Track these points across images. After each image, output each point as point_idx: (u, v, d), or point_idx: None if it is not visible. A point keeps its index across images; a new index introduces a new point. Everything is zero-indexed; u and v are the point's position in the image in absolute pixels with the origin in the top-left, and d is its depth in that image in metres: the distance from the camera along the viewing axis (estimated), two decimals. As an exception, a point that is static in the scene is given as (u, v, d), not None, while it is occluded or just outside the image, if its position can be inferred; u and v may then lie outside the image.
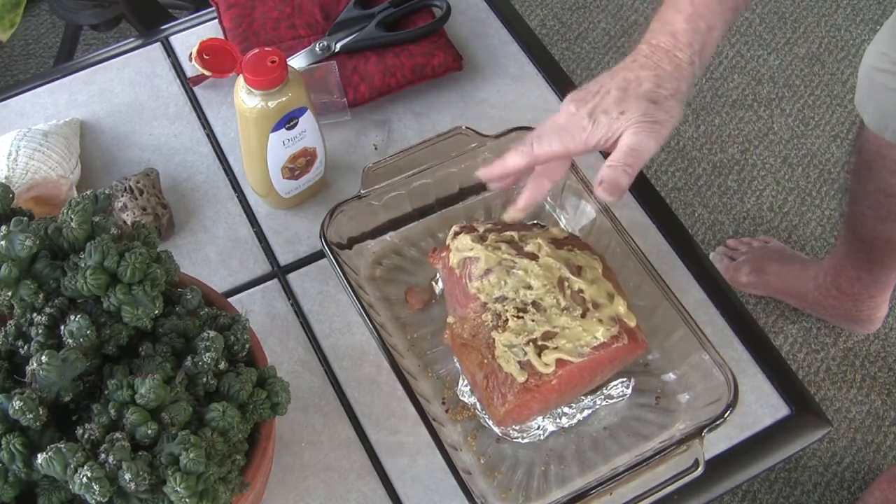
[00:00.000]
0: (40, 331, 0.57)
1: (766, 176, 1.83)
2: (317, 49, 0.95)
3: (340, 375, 0.81)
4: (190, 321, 0.62)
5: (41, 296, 0.59)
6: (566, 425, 0.76)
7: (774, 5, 2.06)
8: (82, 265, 0.58)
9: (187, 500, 0.53)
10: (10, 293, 0.58)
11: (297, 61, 0.95)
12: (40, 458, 0.53)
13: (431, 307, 0.82)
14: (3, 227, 0.58)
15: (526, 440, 0.75)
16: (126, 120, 0.96)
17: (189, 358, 0.59)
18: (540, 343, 0.70)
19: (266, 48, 0.77)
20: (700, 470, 0.68)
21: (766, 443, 0.79)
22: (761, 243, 1.68)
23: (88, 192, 0.61)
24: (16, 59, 1.94)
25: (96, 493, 0.52)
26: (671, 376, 0.78)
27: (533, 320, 0.71)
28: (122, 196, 0.85)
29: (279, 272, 0.86)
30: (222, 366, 0.60)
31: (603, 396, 0.77)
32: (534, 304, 0.72)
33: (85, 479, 0.52)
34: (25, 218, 0.59)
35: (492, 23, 1.03)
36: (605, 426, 0.77)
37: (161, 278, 0.59)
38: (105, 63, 1.00)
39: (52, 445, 0.53)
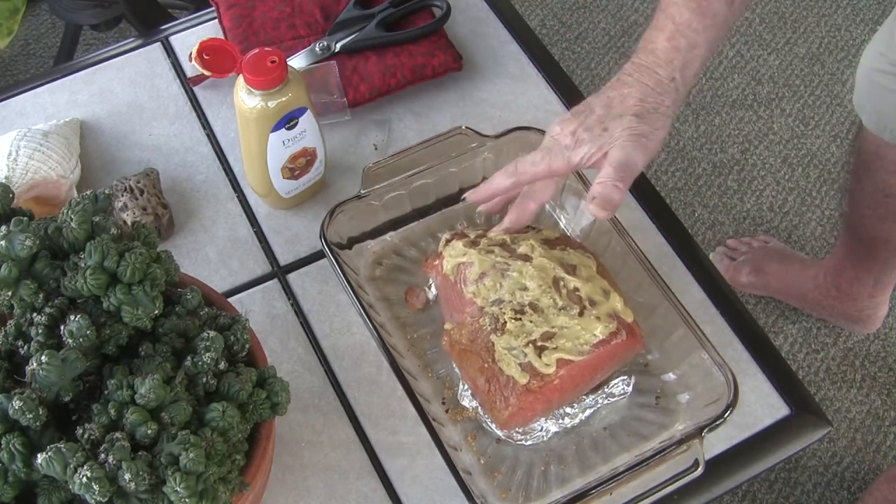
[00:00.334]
0: (40, 331, 0.57)
1: (766, 176, 1.83)
2: (317, 49, 0.95)
3: (340, 375, 0.81)
4: (190, 321, 0.62)
5: (41, 296, 0.59)
6: (569, 425, 0.76)
7: (774, 5, 2.07)
8: (82, 265, 0.58)
9: (187, 500, 0.53)
10: (10, 293, 0.58)
11: (297, 61, 0.95)
12: (40, 458, 0.53)
13: (431, 307, 0.82)
14: (3, 227, 0.58)
15: (529, 442, 0.75)
16: (126, 120, 0.96)
17: (189, 358, 0.59)
18: (539, 344, 0.70)
19: (266, 48, 0.77)
20: (700, 470, 0.68)
21: (766, 443, 0.79)
22: (761, 243, 1.68)
23: (88, 192, 0.61)
24: (16, 59, 1.94)
25: (96, 493, 0.52)
26: (671, 376, 0.78)
27: (531, 321, 0.71)
28: (122, 196, 0.85)
29: (279, 272, 0.86)
30: (222, 366, 0.60)
31: (604, 395, 0.77)
32: (531, 305, 0.72)
33: (85, 479, 0.52)
34: (25, 218, 0.59)
35: (492, 23, 1.03)
36: (605, 426, 0.77)
37: (161, 278, 0.59)
38: (105, 63, 1.00)
39: (52, 445, 0.53)
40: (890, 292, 1.55)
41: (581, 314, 0.72)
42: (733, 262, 1.66)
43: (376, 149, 0.94)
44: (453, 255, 0.76)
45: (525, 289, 0.73)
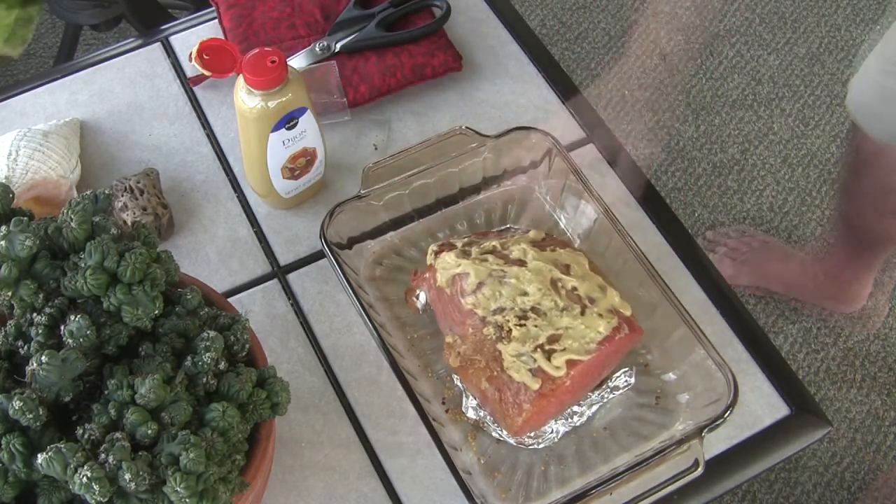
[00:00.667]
0: (40, 331, 0.57)
1: (766, 176, 1.83)
2: (317, 49, 0.95)
3: (340, 375, 0.81)
4: (190, 321, 0.62)
5: (41, 296, 0.59)
6: (578, 424, 0.76)
7: (774, 5, 2.07)
8: (82, 265, 0.58)
9: (187, 500, 0.53)
10: (10, 293, 0.58)
11: (297, 61, 0.95)
12: (40, 458, 0.53)
13: (431, 308, 0.82)
14: (3, 227, 0.58)
15: (542, 445, 0.75)
16: (126, 120, 0.96)
17: (189, 358, 0.59)
18: (547, 347, 0.70)
19: (266, 48, 0.77)
20: (700, 470, 0.68)
21: (766, 443, 0.79)
22: (739, 233, 1.69)
23: (88, 192, 0.61)
24: (16, 59, 1.94)
25: (96, 493, 0.52)
26: (671, 376, 0.78)
27: (536, 326, 0.71)
28: (122, 196, 0.85)
29: (279, 272, 0.86)
30: (222, 366, 0.60)
31: (609, 389, 0.77)
32: (533, 309, 0.72)
33: (85, 479, 0.52)
34: (25, 218, 0.59)
35: (492, 23, 1.03)
36: (605, 426, 0.77)
37: (161, 278, 0.59)
38: (105, 63, 1.00)
39: (52, 445, 0.53)
40: (874, 273, 1.57)
41: (583, 313, 0.72)
42: (714, 255, 1.67)
43: (376, 149, 0.94)
44: (446, 267, 0.76)
45: (525, 294, 0.73)
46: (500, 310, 0.73)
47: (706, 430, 0.69)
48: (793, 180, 1.83)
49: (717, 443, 0.78)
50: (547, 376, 0.70)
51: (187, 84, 0.98)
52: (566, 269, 0.75)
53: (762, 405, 0.80)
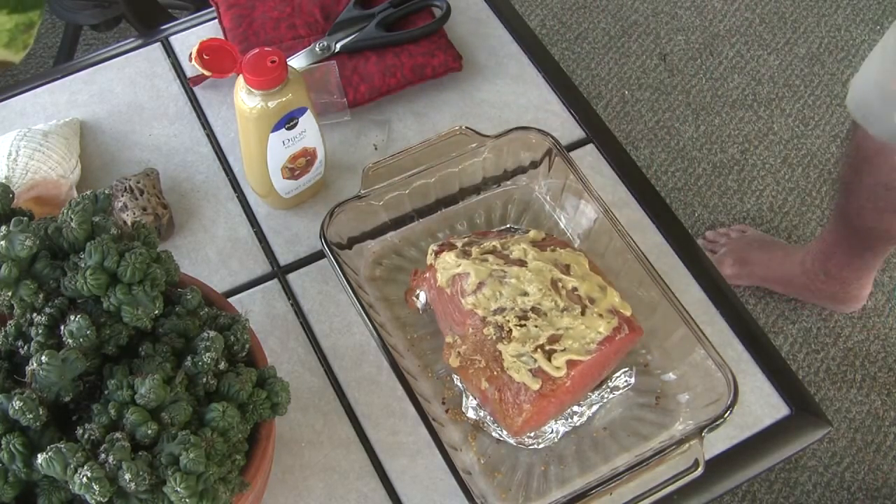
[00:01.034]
0: (40, 331, 0.57)
1: (766, 176, 1.83)
2: (317, 49, 0.95)
3: (340, 375, 0.81)
4: (190, 321, 0.62)
5: (41, 296, 0.59)
6: (578, 424, 0.76)
7: (774, 5, 2.07)
8: (82, 265, 0.58)
9: (187, 500, 0.53)
10: (10, 293, 0.58)
11: (297, 61, 0.95)
12: (40, 458, 0.53)
13: (431, 308, 0.82)
14: (3, 227, 0.58)
15: (542, 445, 0.75)
16: (126, 120, 0.96)
17: (189, 358, 0.59)
18: (548, 348, 0.70)
19: (266, 48, 0.77)
20: (700, 470, 0.68)
21: (766, 443, 0.79)
22: (738, 233, 1.69)
23: (88, 192, 0.61)
24: (17, 65, 1.94)
25: (96, 493, 0.52)
26: (671, 376, 0.78)
27: (536, 326, 0.71)
28: (122, 196, 0.85)
29: (279, 272, 0.86)
30: (222, 366, 0.60)
31: (609, 389, 0.77)
32: (533, 309, 0.72)
33: (85, 479, 0.52)
34: (25, 218, 0.59)
35: (492, 23, 1.03)
36: (605, 426, 0.77)
37: (161, 278, 0.59)
38: (105, 63, 1.00)
39: (52, 445, 0.53)
40: (875, 272, 1.57)
41: (583, 313, 0.72)
42: (714, 255, 1.67)
43: (376, 149, 0.94)
44: (446, 267, 0.76)
45: (525, 294, 0.73)
46: (501, 310, 0.73)
47: (706, 430, 0.69)
48: (793, 180, 1.83)
49: (717, 443, 0.78)
50: (547, 376, 0.70)
51: (187, 84, 0.98)
52: (566, 269, 0.75)
53: (762, 405, 0.80)
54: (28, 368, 0.56)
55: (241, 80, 0.78)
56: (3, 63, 0.92)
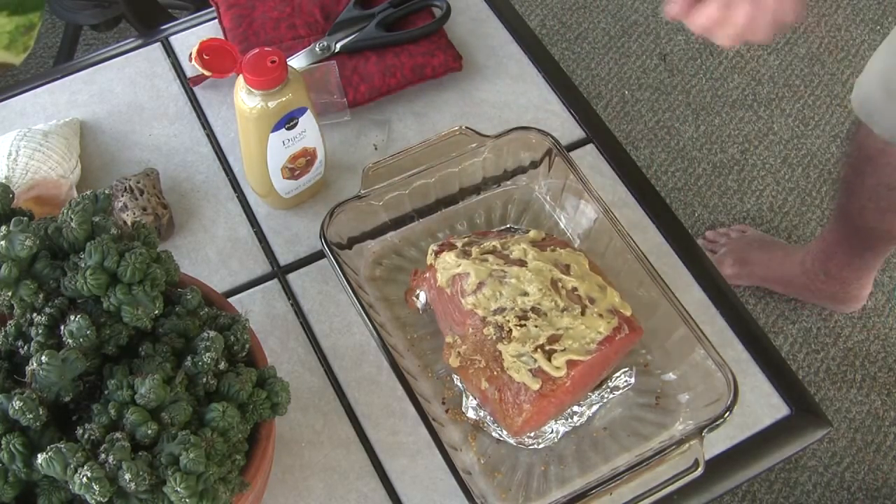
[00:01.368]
0: (40, 331, 0.57)
1: (766, 176, 1.83)
2: (317, 49, 0.95)
3: (340, 375, 0.81)
4: (190, 321, 0.62)
5: (41, 296, 0.59)
6: (578, 424, 0.76)
7: (774, 5, 2.06)
8: (82, 265, 0.58)
9: (187, 500, 0.53)
10: (10, 293, 0.58)
11: (297, 61, 0.95)
12: (40, 458, 0.53)
13: (431, 308, 0.82)
14: (3, 227, 0.58)
15: (542, 445, 0.75)
16: (126, 120, 0.96)
17: (189, 358, 0.59)
18: (548, 348, 0.70)
19: (266, 48, 0.77)
20: (700, 470, 0.68)
21: (766, 443, 0.79)
22: (739, 233, 1.69)
23: (88, 192, 0.61)
24: (18, 67, 1.94)
25: (96, 493, 0.52)
26: (671, 376, 0.78)
27: (536, 326, 0.71)
28: (122, 196, 0.85)
29: (279, 272, 0.86)
30: (222, 366, 0.60)
31: (609, 389, 0.77)
32: (533, 309, 0.72)
33: (85, 479, 0.52)
34: (25, 218, 0.59)
35: (492, 23, 1.03)
36: (605, 426, 0.77)
37: (161, 278, 0.59)
38: (105, 63, 1.00)
39: (52, 445, 0.53)
40: (875, 272, 1.57)
41: (583, 313, 0.72)
42: (714, 255, 1.67)
43: (376, 149, 0.94)
44: (446, 267, 0.76)
45: (525, 294, 0.73)
46: (501, 310, 0.73)
47: (706, 430, 0.69)
48: (793, 180, 1.83)
49: (717, 443, 0.78)
50: (547, 376, 0.70)
51: (187, 84, 0.98)
52: (566, 269, 0.75)
53: (762, 405, 0.80)
54: (28, 368, 0.56)
55: (241, 80, 0.78)
56: (4, 65, 0.92)
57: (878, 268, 1.55)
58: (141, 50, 1.01)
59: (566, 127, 0.96)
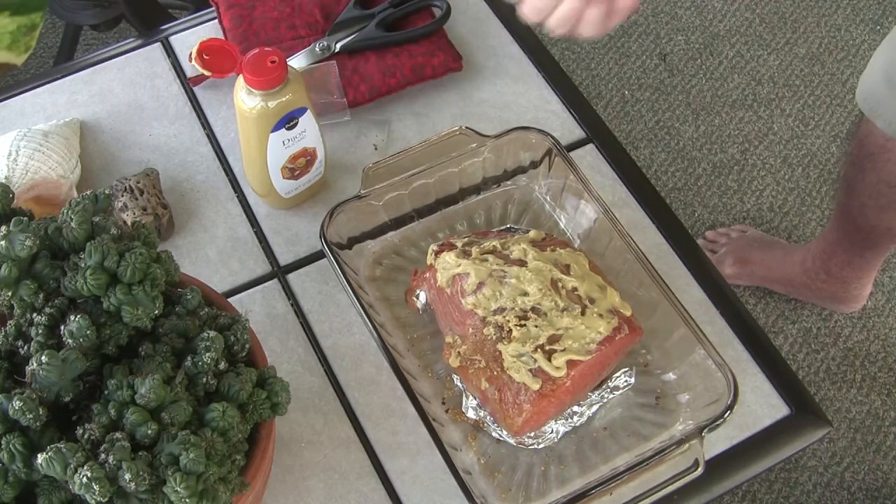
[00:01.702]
0: (40, 331, 0.57)
1: (766, 176, 1.83)
2: (317, 49, 0.95)
3: (340, 375, 0.81)
4: (190, 321, 0.62)
5: (41, 296, 0.59)
6: (578, 424, 0.76)
7: (774, 5, 2.07)
8: (82, 265, 0.58)
9: (187, 500, 0.53)
10: (10, 293, 0.58)
11: (297, 61, 0.95)
12: (40, 458, 0.53)
13: (431, 308, 0.82)
14: (3, 227, 0.58)
15: (542, 445, 0.75)
16: (126, 120, 0.96)
17: (189, 358, 0.59)
18: (548, 348, 0.70)
19: (266, 48, 0.77)
20: (700, 470, 0.68)
21: (766, 443, 0.79)
22: (739, 233, 1.69)
23: (88, 192, 0.61)
24: (19, 67, 1.94)
25: (96, 493, 0.52)
26: (671, 376, 0.78)
27: (536, 326, 0.71)
28: (122, 196, 0.85)
29: (279, 272, 0.86)
30: (222, 366, 0.60)
31: (609, 389, 0.77)
32: (533, 309, 0.72)
33: (85, 479, 0.52)
34: (25, 218, 0.59)
35: (492, 23, 1.03)
36: (605, 426, 0.77)
37: (161, 278, 0.59)
38: (105, 63, 1.00)
39: (52, 445, 0.53)
40: (876, 271, 1.57)
41: (583, 313, 0.72)
42: (715, 254, 1.67)
43: (376, 149, 0.94)
44: (446, 267, 0.76)
45: (525, 294, 0.73)
46: (501, 310, 0.73)
47: (706, 430, 0.69)
48: (793, 180, 1.83)
49: (717, 443, 0.78)
50: (547, 376, 0.70)
51: (187, 84, 0.98)
52: (566, 269, 0.75)
53: (762, 405, 0.80)
54: (28, 368, 0.56)
55: (241, 80, 0.78)
56: (6, 65, 0.92)
57: (878, 267, 1.55)
58: (141, 50, 1.01)
59: (566, 127, 0.96)
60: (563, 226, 0.86)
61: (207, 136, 0.95)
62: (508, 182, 0.88)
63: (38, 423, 0.55)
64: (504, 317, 0.72)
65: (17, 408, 0.54)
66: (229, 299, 0.83)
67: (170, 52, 1.01)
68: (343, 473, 0.76)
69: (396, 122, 0.96)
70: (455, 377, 0.77)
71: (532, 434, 0.75)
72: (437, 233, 0.86)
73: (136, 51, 1.01)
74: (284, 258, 0.87)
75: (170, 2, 1.67)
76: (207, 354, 0.59)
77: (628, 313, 0.74)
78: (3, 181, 0.81)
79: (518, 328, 0.71)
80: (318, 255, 0.87)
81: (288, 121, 0.79)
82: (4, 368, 0.58)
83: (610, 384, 0.77)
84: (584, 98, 0.98)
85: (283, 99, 0.78)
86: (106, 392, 0.57)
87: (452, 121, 0.96)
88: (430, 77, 0.96)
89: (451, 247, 0.78)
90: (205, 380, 0.59)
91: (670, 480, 0.68)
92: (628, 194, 0.91)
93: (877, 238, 1.43)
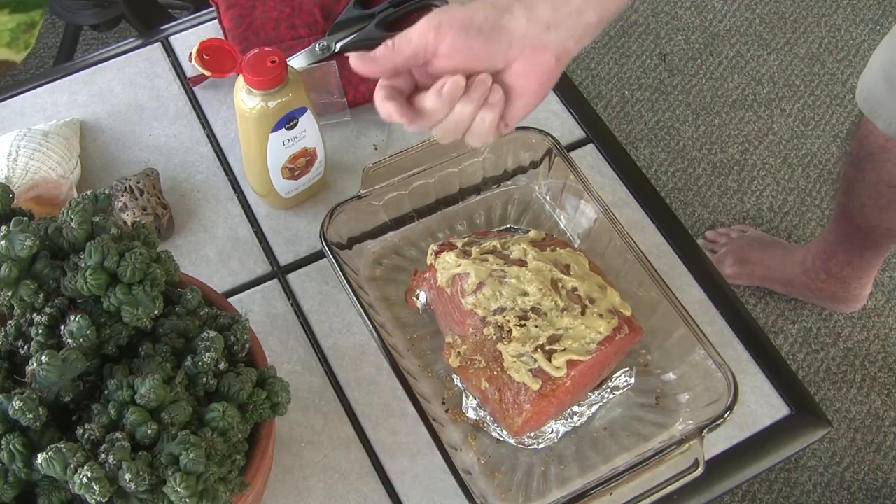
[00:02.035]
0: (40, 331, 0.57)
1: (766, 176, 1.83)
2: (317, 49, 0.95)
3: (340, 375, 0.81)
4: (190, 321, 0.62)
5: (41, 296, 0.59)
6: (578, 424, 0.76)
7: (774, 5, 2.07)
8: (82, 265, 0.58)
9: (187, 500, 0.53)
10: (10, 293, 0.58)
11: (297, 61, 0.95)
12: (40, 458, 0.53)
13: (431, 308, 0.82)
14: (3, 227, 0.58)
15: (542, 445, 0.75)
16: (126, 120, 0.96)
17: (189, 358, 0.59)
18: (548, 348, 0.70)
19: (266, 48, 0.77)
20: (700, 470, 0.68)
21: (766, 443, 0.79)
22: (739, 233, 1.69)
23: (88, 192, 0.61)
24: (19, 65, 1.94)
25: (96, 493, 0.52)
26: (671, 376, 0.78)
27: (536, 326, 0.71)
28: (122, 196, 0.85)
29: (279, 272, 0.86)
30: (222, 366, 0.60)
31: (609, 389, 0.77)
32: (533, 309, 0.72)
33: (85, 479, 0.52)
34: (25, 218, 0.59)
35: (492, 23, 1.03)
36: (605, 426, 0.77)
37: (161, 278, 0.59)
38: (105, 63, 1.00)
39: (52, 445, 0.53)
40: (876, 271, 1.57)
41: (583, 313, 0.72)
42: (715, 254, 1.67)
43: (376, 149, 0.94)
44: (446, 267, 0.76)
45: (525, 294, 0.73)
46: (501, 310, 0.73)
47: (706, 430, 0.69)
48: (793, 180, 1.82)
49: (717, 443, 0.78)
50: (547, 376, 0.70)
51: (187, 84, 0.98)
52: (566, 269, 0.75)
53: (762, 405, 0.80)
54: (28, 368, 0.56)
55: (241, 80, 0.78)
56: (5, 63, 0.92)
57: (878, 267, 1.55)
58: (141, 50, 1.01)
59: (566, 127, 0.95)
60: (563, 226, 0.86)
61: (207, 136, 0.95)
62: (508, 182, 0.88)
63: (38, 423, 0.55)
64: (504, 317, 0.72)
65: (17, 408, 0.54)
66: (229, 299, 0.83)
67: (170, 52, 1.01)
68: (343, 473, 0.76)
69: (396, 122, 0.96)
70: (455, 377, 0.77)
71: (532, 434, 0.75)
72: (437, 233, 0.86)
73: (136, 51, 1.01)
74: (284, 258, 0.87)
75: (170, 2, 1.67)
76: (207, 354, 0.59)
77: (628, 313, 0.74)
78: (3, 181, 0.81)
79: (518, 328, 0.71)
80: (318, 255, 0.87)
81: (288, 121, 0.79)
82: (4, 368, 0.58)
83: (610, 384, 0.77)
84: (584, 98, 0.98)
85: (283, 99, 0.78)
86: (106, 392, 0.57)
87: (452, 121, 0.96)
88: (430, 77, 0.96)
89: (451, 247, 0.78)
90: (205, 380, 0.59)
91: (670, 480, 0.68)
92: (628, 194, 0.91)
93: (877, 238, 1.43)
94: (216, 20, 1.01)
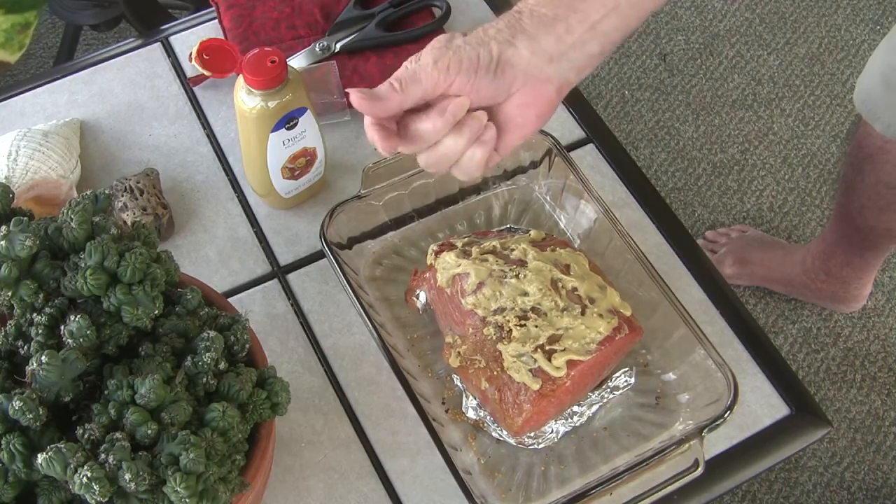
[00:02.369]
0: (40, 331, 0.57)
1: (766, 176, 1.83)
2: (317, 49, 0.95)
3: (340, 375, 0.81)
4: (190, 321, 0.62)
5: (41, 296, 0.59)
6: (578, 424, 0.76)
7: (774, 5, 2.07)
8: (82, 265, 0.58)
9: (187, 500, 0.53)
10: (10, 293, 0.58)
11: (297, 61, 0.95)
12: (40, 458, 0.53)
13: (431, 308, 0.82)
14: (3, 227, 0.58)
15: (542, 445, 0.75)
16: (126, 120, 0.96)
17: (189, 358, 0.59)
18: (548, 348, 0.70)
19: (266, 48, 0.77)
20: (700, 470, 0.68)
21: (766, 443, 0.79)
22: (739, 233, 1.69)
23: (88, 192, 0.61)
24: (13, 66, 1.94)
25: (96, 493, 0.52)
26: (671, 376, 0.78)
27: (536, 326, 0.71)
28: (122, 196, 0.85)
29: (279, 272, 0.86)
30: (222, 366, 0.60)
31: (609, 389, 0.77)
32: (533, 309, 0.72)
33: (85, 479, 0.52)
34: (25, 218, 0.59)
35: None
36: (605, 426, 0.77)
37: (161, 278, 0.59)
38: (105, 63, 1.00)
39: (52, 445, 0.53)
40: (876, 271, 1.57)
41: (583, 313, 0.72)
42: (715, 254, 1.67)
43: (376, 149, 0.94)
44: (446, 267, 0.76)
45: (525, 294, 0.73)
46: (501, 310, 0.73)
47: (706, 430, 0.69)
48: (793, 180, 1.83)
49: (717, 443, 0.78)
50: (547, 376, 0.70)
51: (187, 84, 0.98)
52: (566, 269, 0.75)
53: (762, 405, 0.80)
54: (28, 368, 0.56)
55: (241, 80, 0.78)
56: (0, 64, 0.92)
57: (878, 267, 1.55)
58: (141, 50, 1.01)
59: (566, 127, 0.95)
60: (563, 226, 0.86)
61: (207, 136, 0.95)
62: (508, 182, 0.88)
63: (38, 423, 0.55)
64: (504, 317, 0.72)
65: (17, 408, 0.54)
66: (229, 299, 0.83)
67: (170, 52, 1.01)
68: (343, 473, 0.76)
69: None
70: (455, 377, 0.77)
71: (532, 434, 0.75)
72: (437, 233, 0.86)
73: (136, 51, 1.01)
74: (284, 258, 0.87)
75: (170, 2, 1.66)
76: (207, 354, 0.59)
77: (628, 313, 0.74)
78: (3, 181, 0.81)
79: (518, 328, 0.71)
80: (318, 255, 0.87)
81: (288, 121, 0.79)
82: (4, 368, 0.58)
83: (610, 384, 0.77)
84: (584, 98, 0.98)
85: (283, 99, 0.78)
86: (106, 392, 0.57)
87: (452, 121, 0.96)
88: (430, 77, 0.96)
89: (451, 247, 0.78)
90: (205, 380, 0.59)
91: (670, 480, 0.68)
92: (628, 194, 0.91)
93: (876, 239, 1.43)
94: (216, 20, 1.01)
